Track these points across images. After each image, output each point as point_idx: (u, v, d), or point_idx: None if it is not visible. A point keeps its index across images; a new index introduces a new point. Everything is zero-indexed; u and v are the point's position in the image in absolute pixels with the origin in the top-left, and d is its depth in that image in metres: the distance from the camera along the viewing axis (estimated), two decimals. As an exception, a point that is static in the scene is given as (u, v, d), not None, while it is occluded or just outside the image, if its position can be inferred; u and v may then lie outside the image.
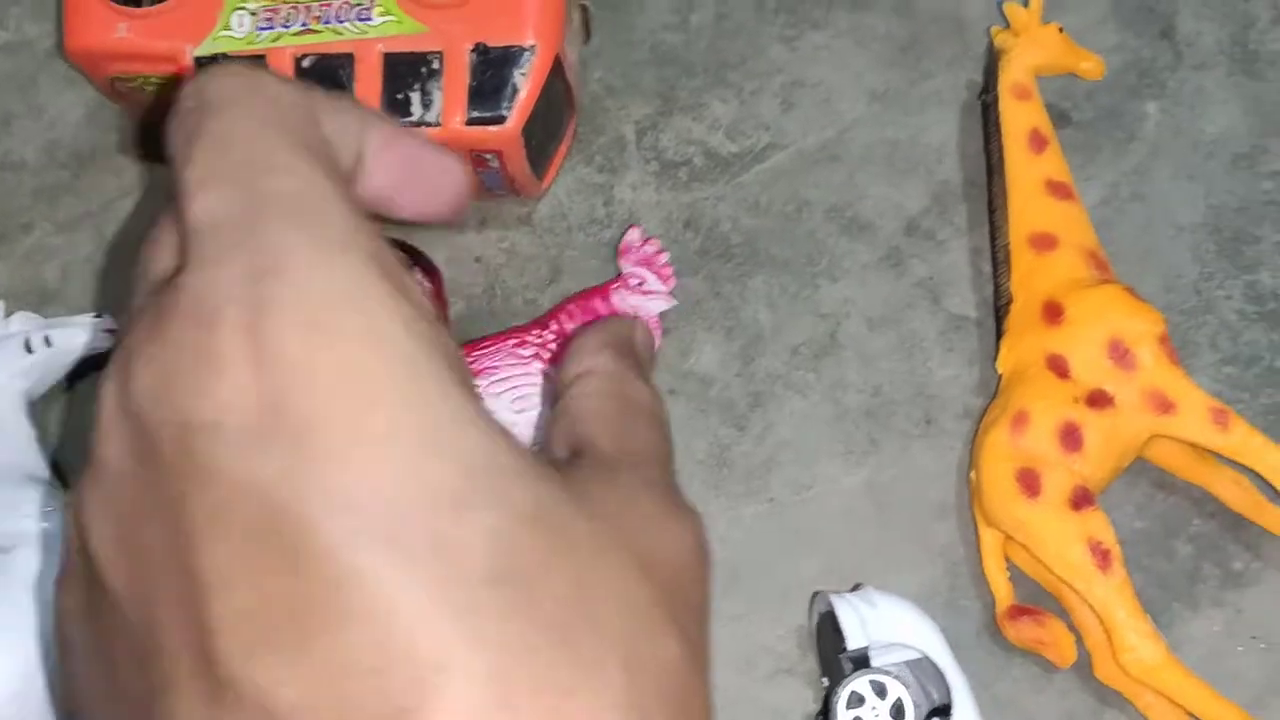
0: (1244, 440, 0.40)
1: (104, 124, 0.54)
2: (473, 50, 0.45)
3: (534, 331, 0.45)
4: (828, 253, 0.50)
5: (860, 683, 0.38)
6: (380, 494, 0.18)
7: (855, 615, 0.39)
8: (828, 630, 0.41)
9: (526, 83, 0.45)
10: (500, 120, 0.44)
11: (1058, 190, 0.44)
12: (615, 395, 0.26)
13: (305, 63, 0.45)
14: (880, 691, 0.38)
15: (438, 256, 0.50)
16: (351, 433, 0.18)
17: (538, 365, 0.44)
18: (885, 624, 0.39)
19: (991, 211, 0.47)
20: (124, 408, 0.19)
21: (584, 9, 0.50)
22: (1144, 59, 0.52)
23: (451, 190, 0.27)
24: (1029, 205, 0.44)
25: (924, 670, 0.38)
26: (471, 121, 0.44)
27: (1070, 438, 0.39)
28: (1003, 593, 0.41)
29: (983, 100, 0.49)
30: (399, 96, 0.45)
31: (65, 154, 0.54)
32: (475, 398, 0.20)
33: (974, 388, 0.46)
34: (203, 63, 0.45)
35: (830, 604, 0.40)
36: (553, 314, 0.46)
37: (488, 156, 0.46)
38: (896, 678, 0.37)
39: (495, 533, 0.18)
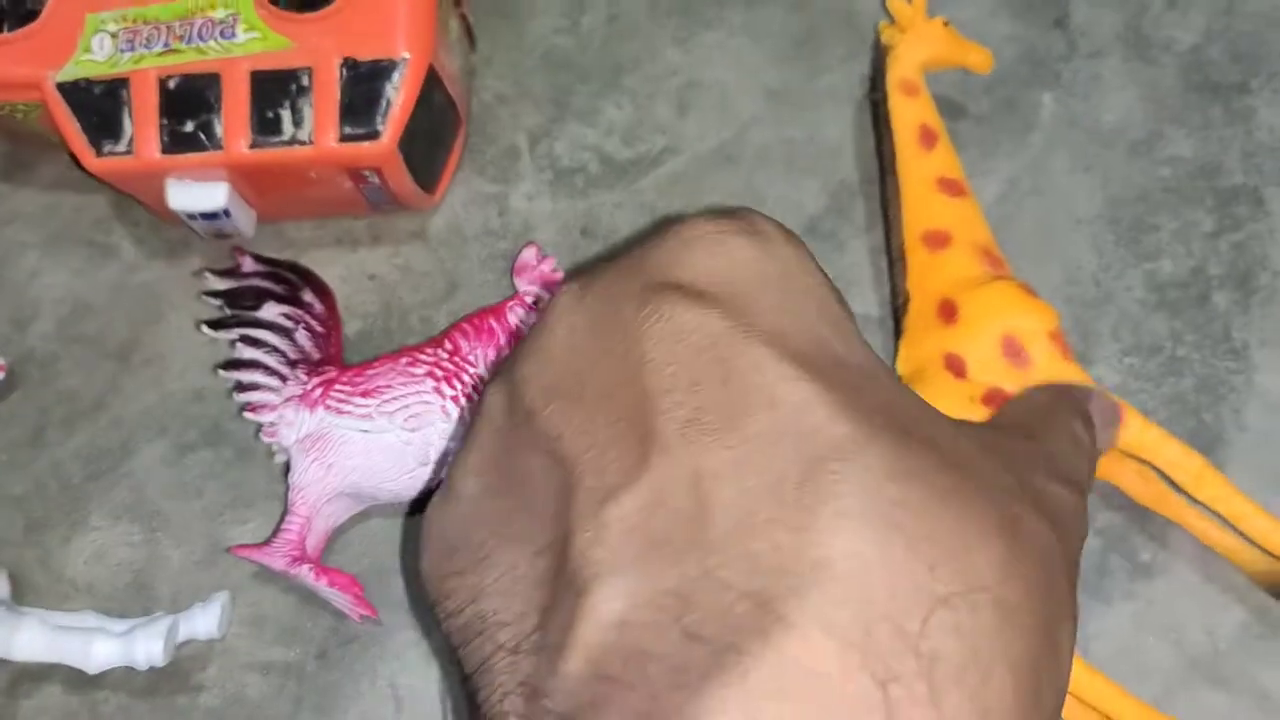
0: (1139, 434, 0.40)
1: (-19, 152, 0.53)
2: (342, 65, 0.43)
3: (427, 350, 0.44)
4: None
5: None
6: (799, 342, 0.23)
7: None
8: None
9: (400, 96, 0.43)
10: (375, 136, 0.43)
11: (949, 187, 0.43)
12: (1054, 406, 0.36)
13: (171, 84, 0.44)
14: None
15: (330, 275, 0.49)
16: (778, 304, 0.24)
17: (430, 383, 0.43)
18: None
19: (885, 210, 0.47)
20: (587, 291, 0.25)
21: (463, 17, 0.49)
22: (1038, 49, 0.51)
23: None
24: (921, 203, 0.43)
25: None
26: (345, 138, 0.43)
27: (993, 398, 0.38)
28: None
29: (872, 99, 0.48)
30: (269, 115, 0.43)
31: (-59, 184, 0.52)
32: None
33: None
34: (65, 88, 0.44)
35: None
36: (447, 333, 0.45)
37: (366, 173, 0.45)
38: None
39: (891, 398, 0.23)
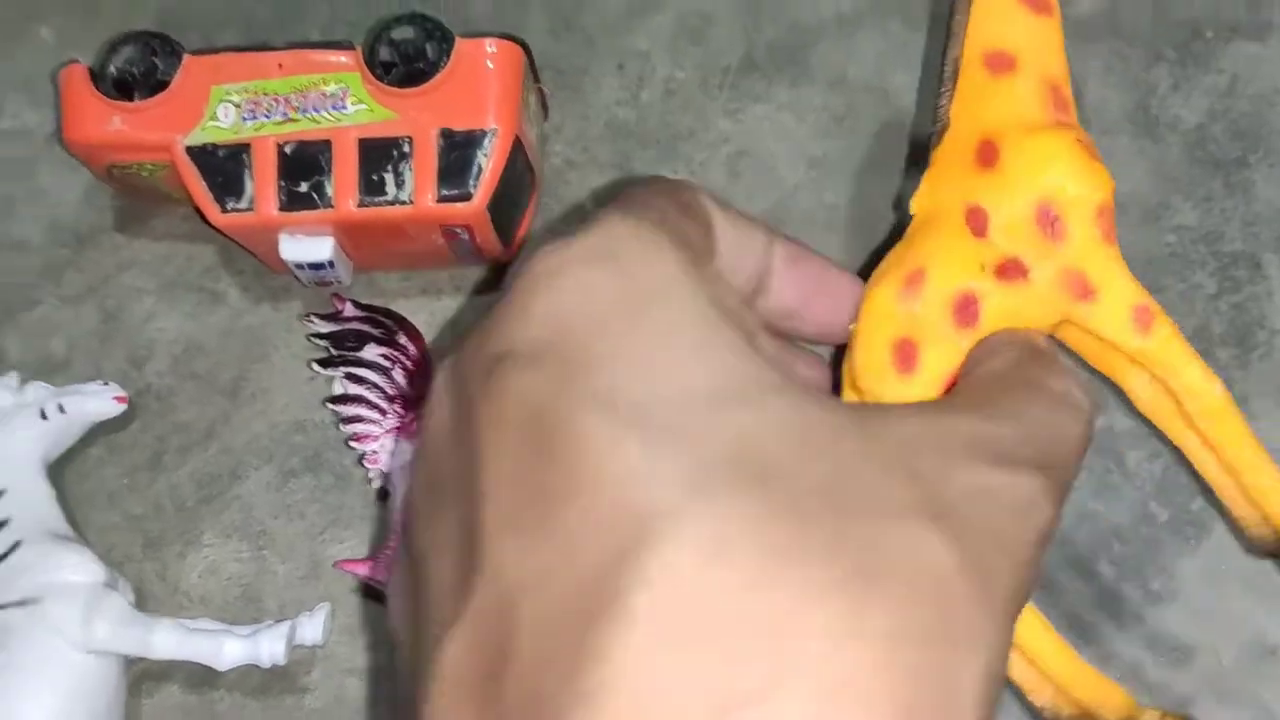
0: (1163, 347, 0.33)
1: (100, 205, 0.58)
2: (439, 134, 0.49)
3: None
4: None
5: None
6: (636, 392, 0.20)
7: None
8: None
9: (489, 162, 0.49)
10: (468, 198, 0.49)
11: (1036, 2, 0.34)
12: (1021, 365, 0.28)
13: (287, 149, 0.50)
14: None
15: (416, 321, 0.54)
16: (617, 347, 0.21)
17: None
18: None
19: (952, 15, 0.37)
20: (451, 372, 0.23)
21: (540, 91, 0.54)
22: (1058, 123, 0.56)
23: (853, 306, 0.30)
24: (995, 11, 0.35)
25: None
26: (441, 199, 0.49)
27: (965, 311, 0.31)
28: None
29: None
30: (374, 178, 0.49)
31: (66, 233, 0.58)
32: (754, 339, 0.24)
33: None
34: (193, 151, 0.50)
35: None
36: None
37: (458, 230, 0.50)
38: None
39: (745, 429, 0.20)
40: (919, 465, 0.21)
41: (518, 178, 0.52)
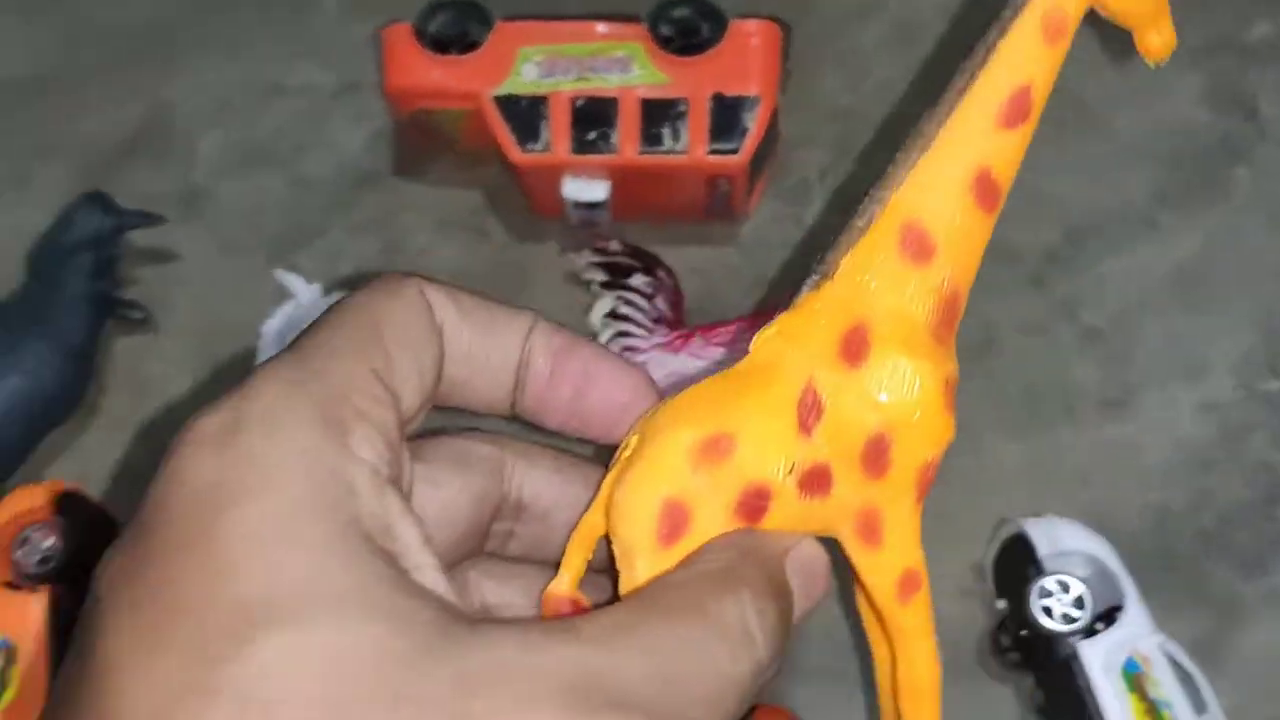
0: (911, 617, 0.30)
1: (380, 153, 0.67)
2: (711, 98, 0.57)
3: (759, 319, 0.57)
4: (979, 274, 0.62)
5: (1049, 580, 0.49)
6: (181, 597, 0.19)
7: (1043, 533, 0.50)
8: (1015, 550, 0.51)
9: (753, 124, 0.57)
10: (734, 152, 0.56)
11: (985, 191, 0.28)
12: (705, 582, 0.23)
13: (579, 103, 0.58)
14: (1064, 588, 0.48)
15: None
16: (190, 542, 0.20)
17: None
18: (1066, 539, 0.50)
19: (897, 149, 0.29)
20: None
21: (787, 71, 0.62)
22: (1233, 136, 0.64)
23: (635, 407, 0.25)
24: (937, 185, 0.28)
25: (1099, 574, 0.48)
26: (712, 152, 0.56)
27: (753, 505, 0.26)
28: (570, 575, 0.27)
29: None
30: (653, 131, 0.57)
31: (351, 175, 0.66)
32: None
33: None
34: (499, 101, 0.58)
35: (1020, 526, 0.51)
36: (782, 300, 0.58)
37: (720, 181, 0.58)
38: (1079, 578, 0.48)
39: (274, 653, 0.18)
40: (471, 708, 0.19)
41: (768, 142, 0.60)
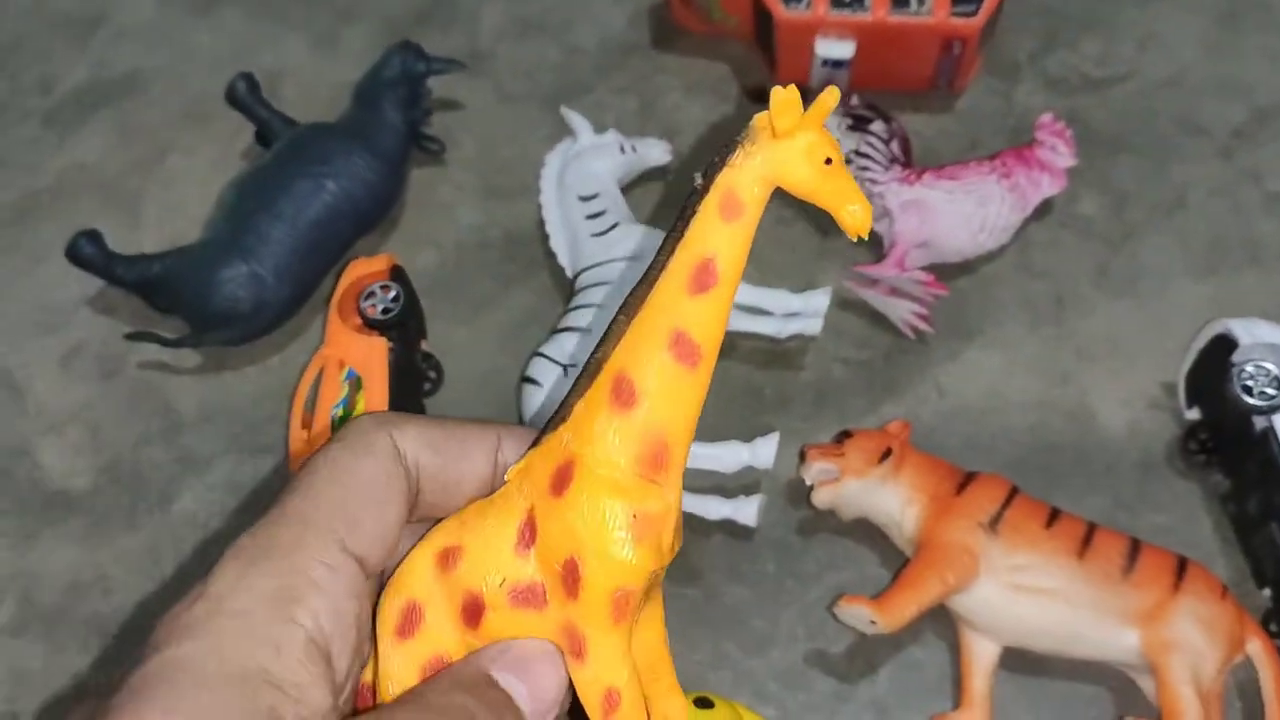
0: None
1: (639, 27, 0.77)
2: (953, -31, 0.66)
3: (985, 163, 0.65)
4: (1171, 145, 0.70)
5: (1250, 365, 0.56)
6: None
7: (1244, 328, 0.58)
8: (1216, 349, 0.59)
9: (988, -4, 0.66)
10: (974, 14, 0.65)
11: (684, 349, 0.29)
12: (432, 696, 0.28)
13: (834, -28, 0.67)
14: (1264, 371, 0.56)
15: (883, 129, 0.70)
16: None
17: (993, 178, 0.64)
18: (1265, 333, 0.58)
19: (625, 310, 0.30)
20: None
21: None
22: None
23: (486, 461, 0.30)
24: (642, 346, 0.29)
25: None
26: (954, 14, 0.65)
27: (470, 612, 0.30)
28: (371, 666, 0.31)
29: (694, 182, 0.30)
30: (904, -3, 0.66)
31: (613, 45, 0.76)
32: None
33: None
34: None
35: (1224, 324, 0.59)
36: (998, 155, 0.66)
37: (954, 44, 0.67)
38: (1275, 364, 0.56)
39: None
40: None
41: (994, 20, 0.69)
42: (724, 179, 0.29)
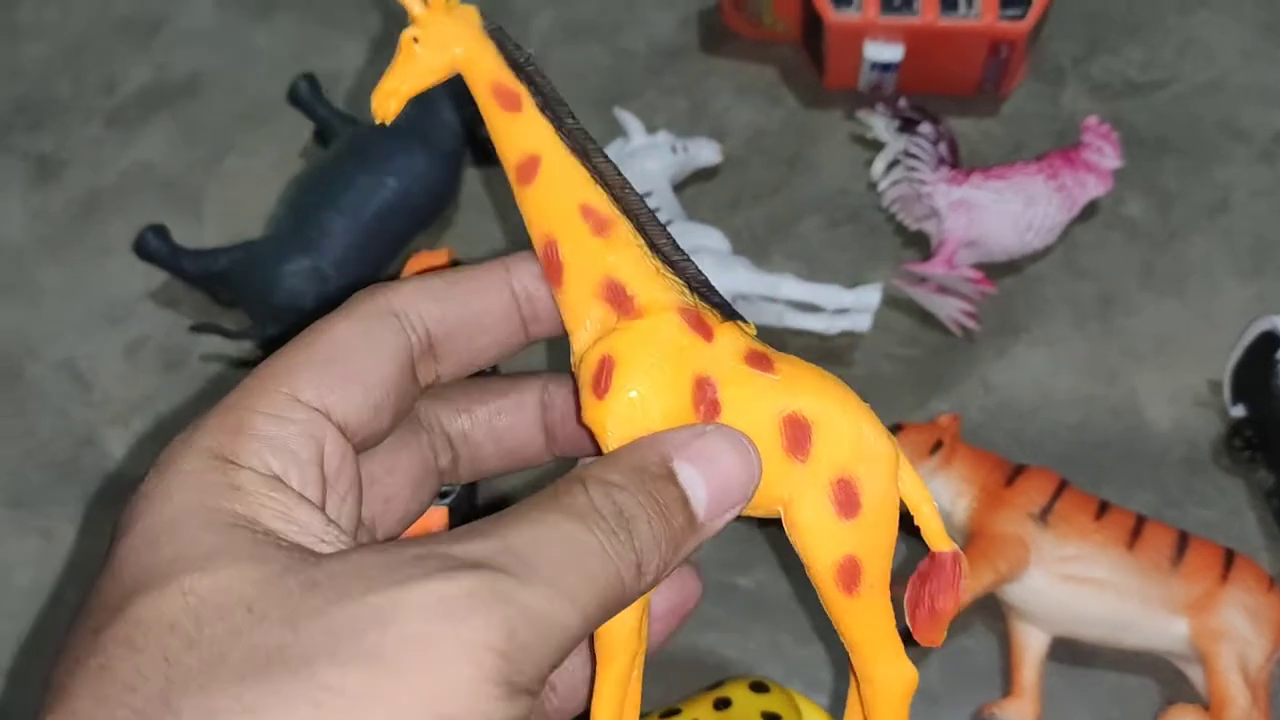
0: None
1: (689, 30, 0.78)
2: (999, -24, 0.67)
3: (1032, 164, 0.67)
4: (1214, 149, 0.71)
5: None
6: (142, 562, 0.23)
7: None
8: (1262, 347, 0.60)
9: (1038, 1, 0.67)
10: (1022, 17, 0.67)
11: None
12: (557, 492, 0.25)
13: (884, -23, 0.68)
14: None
15: (929, 131, 0.72)
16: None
17: (1040, 179, 0.65)
18: None
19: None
20: None
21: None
22: None
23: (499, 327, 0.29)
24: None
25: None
26: (1002, 17, 0.67)
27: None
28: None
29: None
30: (950, 1, 0.67)
31: (663, 48, 0.78)
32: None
33: None
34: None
35: (1271, 321, 0.60)
36: (1044, 157, 0.68)
37: (1001, 47, 0.68)
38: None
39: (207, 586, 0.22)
40: (310, 601, 0.22)
41: (1040, 25, 0.70)
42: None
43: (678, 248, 0.29)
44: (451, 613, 0.21)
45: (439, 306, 0.28)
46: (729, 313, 0.28)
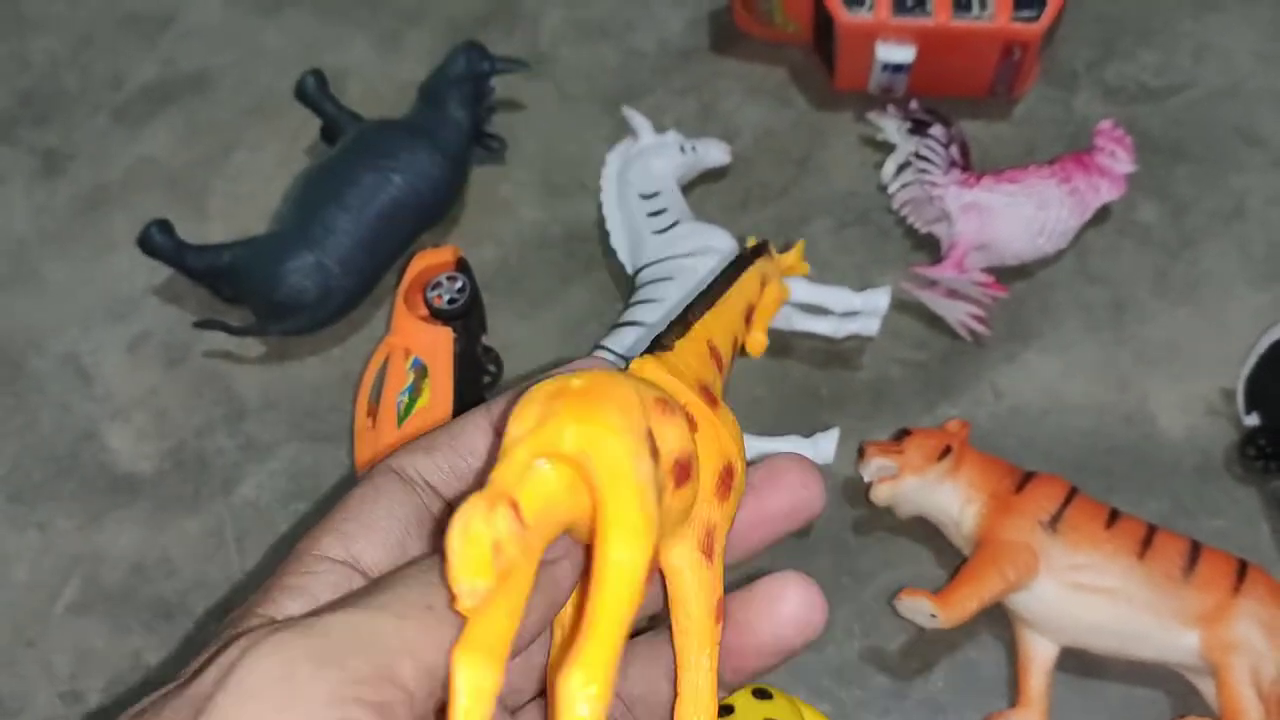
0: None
1: (699, 31, 0.78)
2: (1017, -26, 0.67)
3: (1045, 167, 0.66)
4: (1228, 155, 0.70)
5: None
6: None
7: None
8: (1275, 356, 0.59)
9: (1051, 2, 0.66)
10: (1036, 18, 0.66)
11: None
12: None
13: (904, -18, 0.68)
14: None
15: (940, 135, 0.71)
16: None
17: (1053, 182, 0.65)
18: None
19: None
20: None
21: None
22: None
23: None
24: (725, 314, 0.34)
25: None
26: (1015, 19, 0.66)
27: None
28: None
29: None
30: (964, 2, 0.67)
31: (672, 48, 0.77)
32: None
33: None
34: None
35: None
36: (1057, 160, 0.67)
37: (1014, 49, 0.67)
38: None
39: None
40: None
41: (1051, 30, 0.69)
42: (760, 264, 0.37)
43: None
44: None
45: (429, 458, 0.31)
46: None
